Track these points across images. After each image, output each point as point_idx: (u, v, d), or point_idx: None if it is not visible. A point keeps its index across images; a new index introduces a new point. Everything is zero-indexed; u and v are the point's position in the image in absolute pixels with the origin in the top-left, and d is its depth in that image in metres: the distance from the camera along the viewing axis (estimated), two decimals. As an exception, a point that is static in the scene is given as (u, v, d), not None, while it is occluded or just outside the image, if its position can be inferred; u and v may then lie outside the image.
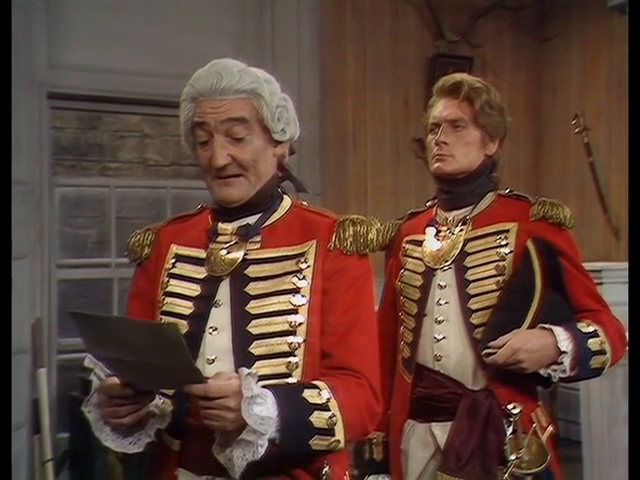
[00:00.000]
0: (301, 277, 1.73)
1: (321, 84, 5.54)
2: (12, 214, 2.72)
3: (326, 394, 1.63)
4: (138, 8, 4.90)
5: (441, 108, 2.33)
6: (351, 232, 1.77)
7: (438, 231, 2.36)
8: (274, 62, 5.32)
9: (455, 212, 2.35)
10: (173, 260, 1.84)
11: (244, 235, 1.78)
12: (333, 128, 5.77)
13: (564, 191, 5.96)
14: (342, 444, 1.65)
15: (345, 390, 1.66)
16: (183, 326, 1.75)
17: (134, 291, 1.93)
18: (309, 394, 1.62)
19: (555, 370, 2.16)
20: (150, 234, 1.92)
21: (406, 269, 2.39)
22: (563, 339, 2.14)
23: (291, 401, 1.60)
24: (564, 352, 2.14)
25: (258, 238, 1.79)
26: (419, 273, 2.34)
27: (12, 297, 2.46)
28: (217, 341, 1.72)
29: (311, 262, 1.75)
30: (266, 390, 1.58)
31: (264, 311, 1.71)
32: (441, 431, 2.23)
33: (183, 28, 4.97)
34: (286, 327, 1.70)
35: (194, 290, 1.78)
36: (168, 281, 1.83)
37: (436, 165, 2.33)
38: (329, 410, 1.62)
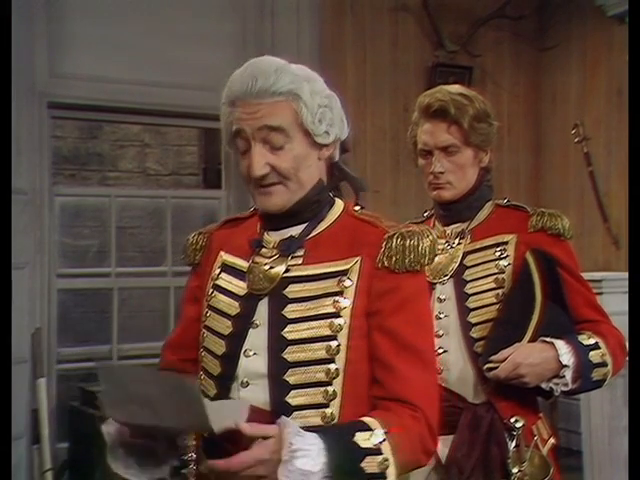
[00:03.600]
0: (343, 298, 1.60)
1: (321, 93, 5.53)
2: (12, 223, 2.72)
3: (379, 436, 1.51)
4: (138, 18, 4.90)
5: (430, 135, 2.27)
6: (400, 248, 1.62)
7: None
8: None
9: (453, 225, 2.35)
10: (219, 269, 1.76)
11: (285, 249, 1.67)
12: (333, 137, 5.77)
13: (564, 200, 5.96)
14: None
15: (400, 427, 1.55)
16: (221, 346, 1.67)
17: (187, 296, 1.86)
18: (361, 437, 1.51)
19: (557, 384, 2.15)
20: (202, 238, 1.85)
21: None
22: (564, 352, 2.13)
23: (341, 447, 1.48)
24: (566, 366, 2.13)
25: (301, 252, 1.67)
26: None
27: (12, 306, 2.46)
28: (252, 365, 1.63)
29: (354, 280, 1.61)
30: (313, 437, 1.47)
31: (301, 337, 1.60)
32: (442, 444, 2.21)
33: (183, 37, 4.97)
34: (323, 354, 1.58)
35: (234, 308, 1.69)
36: (212, 293, 1.75)
37: (435, 193, 2.32)
38: (381, 454, 1.51)
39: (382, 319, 1.61)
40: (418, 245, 1.63)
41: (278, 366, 1.60)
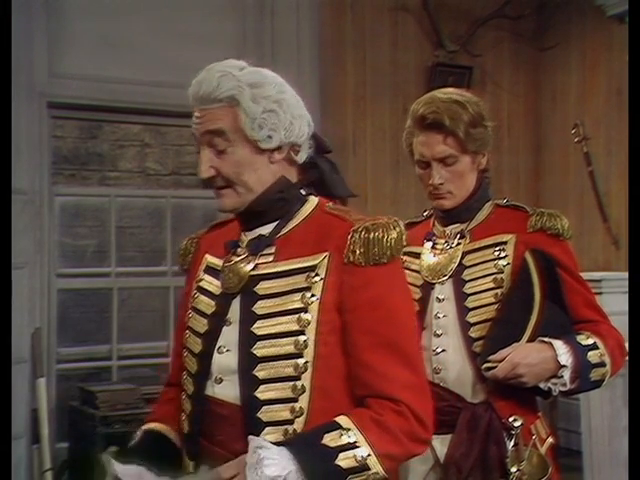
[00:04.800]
0: (311, 294, 1.62)
1: (321, 92, 5.54)
2: (12, 223, 2.72)
3: (352, 434, 1.55)
4: (138, 17, 4.90)
5: (426, 146, 2.25)
6: (364, 241, 1.63)
7: (436, 244, 2.35)
8: (274, 70, 5.32)
9: (452, 225, 2.35)
10: (203, 272, 1.81)
11: (253, 248, 1.71)
12: (333, 136, 5.76)
13: (564, 200, 5.97)
14: (383, 474, 1.59)
15: (374, 423, 1.58)
16: (198, 344, 1.72)
17: (181, 301, 1.91)
18: (330, 438, 1.55)
19: (555, 384, 2.15)
20: (191, 243, 1.90)
21: None
22: (563, 352, 2.13)
23: (311, 452, 1.53)
24: (564, 366, 2.13)
25: (272, 249, 1.70)
26: (417, 286, 2.32)
27: (12, 306, 2.46)
28: (224, 361, 1.67)
29: (323, 276, 1.63)
30: (279, 448, 1.52)
31: (269, 332, 1.63)
32: (440, 444, 2.22)
33: (183, 36, 4.97)
34: (292, 349, 1.61)
35: (211, 307, 1.73)
36: (195, 294, 1.80)
37: (436, 202, 2.32)
38: (356, 447, 1.55)
39: (355, 316, 1.62)
40: (383, 237, 1.63)
41: (248, 361, 1.63)
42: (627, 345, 2.22)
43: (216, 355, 1.68)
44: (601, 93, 5.87)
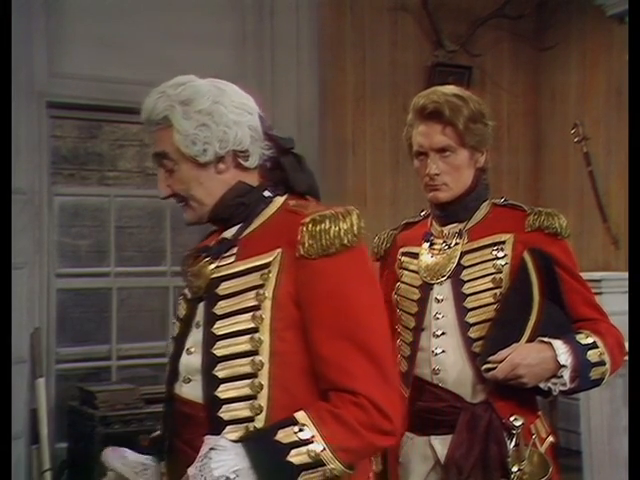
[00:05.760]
0: (264, 291, 1.64)
1: (320, 92, 5.54)
2: (11, 223, 2.72)
3: (306, 429, 1.56)
4: (138, 17, 4.90)
5: (425, 136, 2.26)
6: (312, 233, 1.63)
7: (434, 244, 2.35)
8: (273, 70, 5.33)
9: (450, 225, 2.34)
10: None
11: (216, 251, 1.74)
12: (332, 136, 5.77)
13: (563, 200, 5.96)
14: (341, 468, 1.58)
15: (331, 416, 1.58)
16: (171, 347, 1.79)
17: None
18: (283, 434, 1.56)
19: (555, 384, 2.15)
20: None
21: (402, 282, 2.38)
22: (562, 352, 2.13)
23: (263, 448, 1.55)
24: (564, 366, 2.13)
25: (234, 251, 1.73)
26: (416, 286, 2.32)
27: (11, 306, 2.46)
28: (191, 361, 1.71)
29: (275, 273, 1.64)
30: (235, 445, 1.55)
31: (227, 332, 1.66)
32: (441, 444, 2.23)
33: (183, 36, 4.97)
34: (248, 347, 1.63)
35: (184, 310, 1.79)
36: (180, 302, 1.86)
37: (431, 194, 2.31)
38: (309, 443, 1.55)
39: (311, 309, 1.63)
40: (330, 229, 1.62)
41: (209, 361, 1.66)
42: (627, 344, 2.22)
43: (184, 356, 1.73)
44: (601, 93, 5.87)
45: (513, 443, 2.11)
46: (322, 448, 1.56)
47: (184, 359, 1.73)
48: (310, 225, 1.63)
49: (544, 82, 6.30)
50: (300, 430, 1.56)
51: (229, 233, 1.76)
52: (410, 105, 2.33)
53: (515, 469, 2.10)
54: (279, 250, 1.65)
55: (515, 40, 6.27)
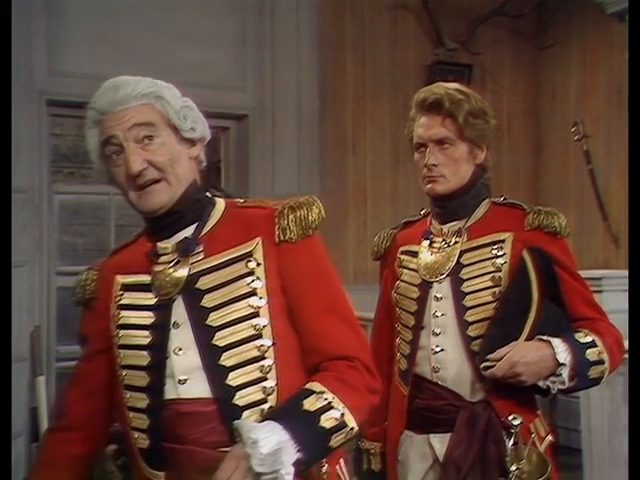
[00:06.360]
0: (254, 278, 1.70)
1: (320, 90, 5.54)
2: (11, 222, 2.72)
3: (326, 395, 1.63)
4: (138, 16, 4.91)
5: (425, 127, 2.28)
6: (293, 219, 1.74)
7: (433, 242, 2.35)
8: (273, 68, 5.34)
9: (450, 223, 2.34)
10: (120, 292, 1.80)
11: (185, 250, 1.74)
12: (332, 134, 5.78)
13: (563, 198, 5.97)
14: (357, 428, 1.66)
15: (339, 381, 1.66)
16: (143, 357, 1.72)
17: (82, 339, 1.89)
18: (309, 404, 1.62)
19: (554, 382, 2.15)
20: (92, 272, 1.89)
21: (402, 281, 2.38)
22: (561, 351, 2.13)
23: (296, 419, 1.59)
24: (562, 364, 2.12)
25: (200, 248, 1.75)
26: (415, 285, 2.32)
27: (11, 305, 2.46)
28: (185, 361, 1.69)
29: (261, 261, 1.71)
30: (266, 423, 1.57)
31: (226, 321, 1.68)
32: (440, 442, 2.23)
33: (183, 35, 4.98)
34: (251, 332, 1.68)
35: (148, 318, 1.74)
36: (119, 313, 1.78)
37: (428, 187, 2.30)
38: (332, 408, 1.62)
39: (299, 288, 1.72)
40: (308, 213, 1.75)
41: (212, 355, 1.67)
42: (626, 343, 2.21)
43: (174, 358, 1.69)
44: (601, 91, 5.87)
45: (512, 442, 2.11)
46: (343, 411, 1.63)
47: (174, 361, 1.69)
48: (288, 212, 1.74)
49: (544, 80, 6.31)
50: (322, 397, 1.63)
51: (187, 232, 1.76)
52: (411, 103, 2.34)
53: (513, 468, 2.10)
54: (258, 239, 1.72)
55: (515, 39, 6.27)
